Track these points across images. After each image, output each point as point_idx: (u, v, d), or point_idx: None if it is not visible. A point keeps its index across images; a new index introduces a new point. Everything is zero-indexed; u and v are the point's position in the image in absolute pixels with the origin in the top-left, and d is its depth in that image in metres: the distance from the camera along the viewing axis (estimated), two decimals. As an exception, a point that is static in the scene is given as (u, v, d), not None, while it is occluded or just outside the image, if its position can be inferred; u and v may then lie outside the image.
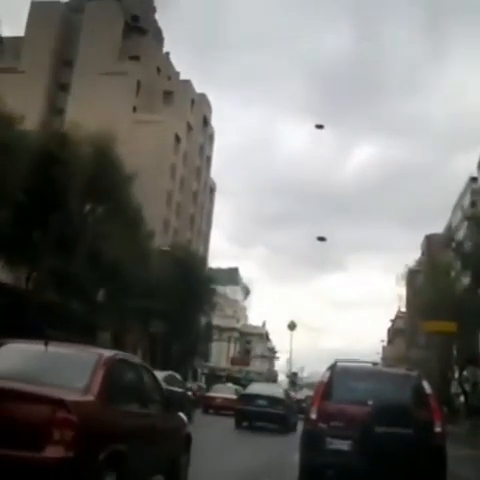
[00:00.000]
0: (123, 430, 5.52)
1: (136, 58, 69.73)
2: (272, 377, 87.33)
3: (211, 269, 57.31)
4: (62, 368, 5.51)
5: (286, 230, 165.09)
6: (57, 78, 69.77)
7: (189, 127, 71.65)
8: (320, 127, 31.82)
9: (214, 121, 79.71)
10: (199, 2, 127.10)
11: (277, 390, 24.02)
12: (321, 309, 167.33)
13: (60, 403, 4.63)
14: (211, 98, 76.93)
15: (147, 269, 34.68)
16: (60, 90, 68.61)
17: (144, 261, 34.16)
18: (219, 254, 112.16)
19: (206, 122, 76.79)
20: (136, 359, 7.19)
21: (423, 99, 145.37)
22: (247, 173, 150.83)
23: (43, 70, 66.68)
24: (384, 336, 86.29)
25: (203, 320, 56.05)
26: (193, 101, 72.82)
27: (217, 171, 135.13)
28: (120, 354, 6.49)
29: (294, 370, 79.12)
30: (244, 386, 32.30)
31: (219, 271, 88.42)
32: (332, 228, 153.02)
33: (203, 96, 75.00)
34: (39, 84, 65.20)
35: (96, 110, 53.81)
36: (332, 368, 8.77)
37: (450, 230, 52.85)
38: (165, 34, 80.00)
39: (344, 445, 7.80)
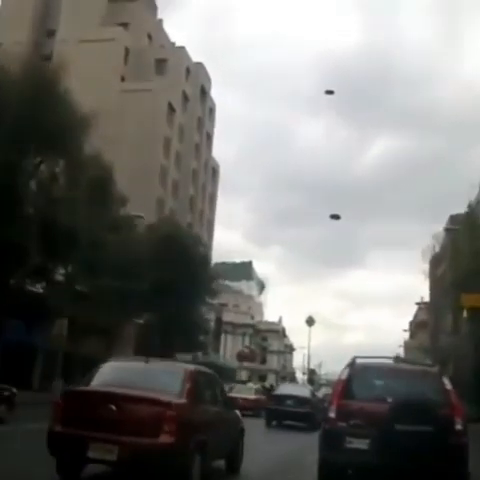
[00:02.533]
0: (205, 424, 7.78)
1: (124, 25, 63.34)
2: (289, 375, 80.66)
3: (224, 263, 50.92)
4: (160, 378, 7.65)
5: (302, 227, 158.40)
6: (39, 49, 63.52)
7: (185, 97, 64.39)
8: (330, 93, 30.69)
9: (226, 117, 74.08)
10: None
11: (304, 390, 25.48)
12: (340, 306, 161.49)
13: (168, 404, 6.84)
14: (221, 92, 70.52)
15: (123, 245, 27.66)
16: (43, 61, 62.11)
17: (119, 235, 27.29)
18: (235, 253, 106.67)
19: (204, 93, 69.36)
20: (209, 370, 9.29)
21: (437, 90, 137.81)
22: (262, 171, 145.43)
23: (23, 41, 60.57)
24: (406, 329, 79.09)
25: (211, 315, 49.73)
26: (188, 70, 65.59)
27: (232, 169, 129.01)
28: (198, 367, 8.86)
29: (312, 367, 72.52)
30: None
31: (233, 266, 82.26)
32: (350, 224, 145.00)
33: (200, 65, 67.63)
34: (20, 56, 58.86)
35: (80, 80, 47.94)
36: (351, 365, 8.54)
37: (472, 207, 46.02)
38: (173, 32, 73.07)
39: (364, 444, 7.64)
